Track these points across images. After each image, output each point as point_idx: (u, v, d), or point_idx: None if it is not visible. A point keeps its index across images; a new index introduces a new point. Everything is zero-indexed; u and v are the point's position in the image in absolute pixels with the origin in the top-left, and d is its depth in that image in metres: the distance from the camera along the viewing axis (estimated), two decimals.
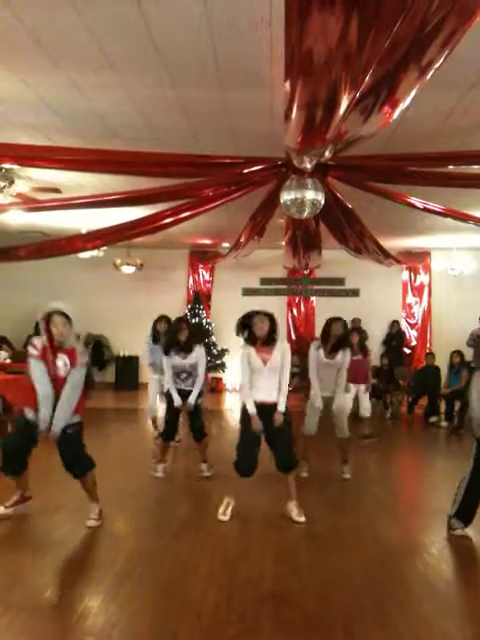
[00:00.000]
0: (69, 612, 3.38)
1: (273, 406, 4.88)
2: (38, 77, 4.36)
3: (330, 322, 6.11)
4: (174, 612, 3.40)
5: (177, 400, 5.99)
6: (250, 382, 4.93)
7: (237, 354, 11.79)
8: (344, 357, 6.04)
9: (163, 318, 7.39)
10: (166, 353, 6.18)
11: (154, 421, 7.81)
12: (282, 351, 4.90)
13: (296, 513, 4.94)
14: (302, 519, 4.90)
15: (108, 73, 4.24)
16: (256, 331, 4.87)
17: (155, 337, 7.35)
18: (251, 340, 4.92)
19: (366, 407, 8.03)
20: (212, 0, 3.18)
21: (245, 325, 4.94)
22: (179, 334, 6.15)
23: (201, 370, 6.27)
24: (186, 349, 6.16)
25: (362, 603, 3.56)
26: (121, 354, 13.21)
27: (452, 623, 3.38)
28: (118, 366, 13.25)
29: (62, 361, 4.41)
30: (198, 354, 6.25)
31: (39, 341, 4.45)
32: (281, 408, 4.85)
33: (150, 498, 5.68)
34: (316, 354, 6.10)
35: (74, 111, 5.04)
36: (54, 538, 4.47)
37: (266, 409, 4.88)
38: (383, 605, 3.53)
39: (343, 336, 6.03)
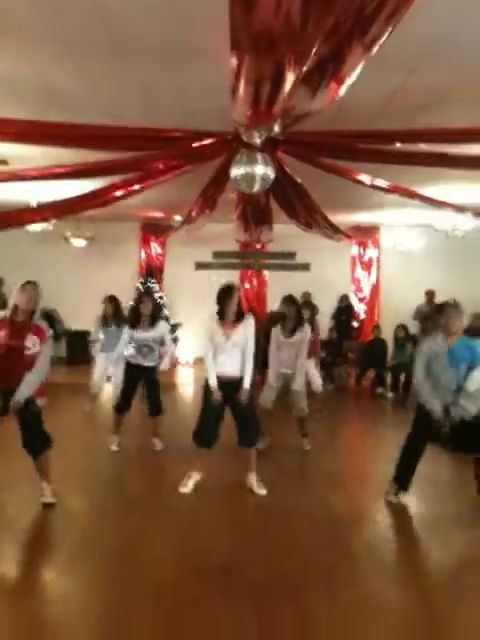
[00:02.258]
0: (24, 584, 3.43)
1: (237, 380, 4.96)
2: None
3: (285, 303, 6.26)
4: (127, 584, 3.48)
5: (213, 383, 5.02)
6: (213, 356, 5.00)
7: (191, 327, 11.83)
8: (303, 336, 6.18)
9: (109, 299, 7.39)
10: (133, 326, 6.22)
11: (94, 397, 7.84)
12: (245, 327, 4.97)
13: (256, 485, 5.08)
14: (263, 491, 5.04)
15: (56, 46, 4.17)
16: (227, 309, 4.94)
17: (105, 319, 7.36)
18: (221, 315, 4.99)
19: (317, 383, 8.18)
20: None
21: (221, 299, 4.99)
22: (142, 307, 6.19)
23: (168, 342, 6.38)
24: (150, 323, 6.21)
25: (308, 571, 3.71)
26: (73, 329, 13.06)
27: (393, 587, 3.57)
28: (69, 341, 13.11)
29: (31, 342, 4.40)
30: (162, 328, 6.31)
31: None
32: (246, 385, 4.94)
33: (104, 473, 5.73)
34: (275, 333, 6.23)
35: (23, 85, 4.94)
36: (6, 514, 4.47)
37: (230, 383, 4.95)
38: (328, 572, 3.69)
39: (296, 317, 6.17)
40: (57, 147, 5.54)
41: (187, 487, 4.98)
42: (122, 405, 6.32)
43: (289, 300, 6.28)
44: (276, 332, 6.26)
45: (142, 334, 6.21)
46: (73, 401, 8.57)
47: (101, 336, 7.43)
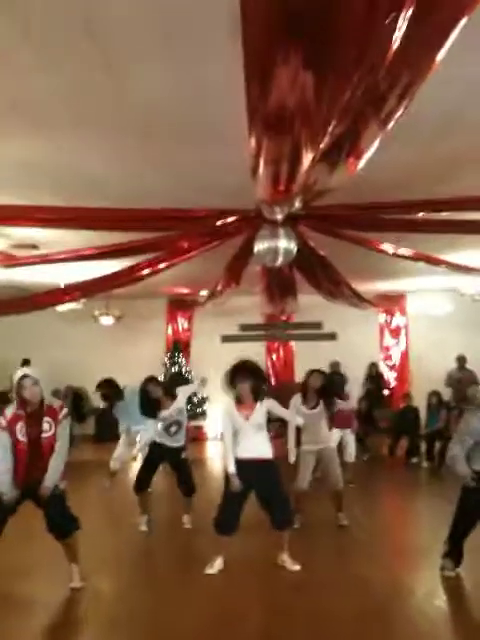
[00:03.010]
0: None
1: (262, 462, 4.85)
2: (18, 140, 4.47)
3: (308, 374, 6.21)
4: None
5: (232, 470, 4.88)
6: (235, 440, 4.91)
7: (218, 403, 11.75)
8: (325, 407, 6.09)
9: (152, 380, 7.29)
10: (154, 416, 6.15)
11: (113, 474, 7.70)
12: (266, 407, 4.91)
13: (290, 562, 4.91)
14: (297, 567, 4.88)
15: (81, 131, 4.37)
16: (241, 392, 4.89)
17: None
18: (237, 398, 4.94)
19: (351, 452, 8.00)
20: (182, 67, 3.34)
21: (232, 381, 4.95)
22: (152, 394, 6.16)
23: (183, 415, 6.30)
24: (169, 399, 6.17)
25: None
26: (101, 406, 13.07)
27: None
28: (98, 418, 13.10)
29: (47, 424, 4.39)
30: (178, 399, 6.27)
31: (9, 410, 4.43)
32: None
33: (133, 553, 5.61)
34: (297, 406, 6.14)
35: (48, 169, 5.14)
36: (34, 598, 4.38)
37: (254, 466, 4.83)
38: None
39: (322, 387, 6.10)
40: (89, 230, 5.72)
41: (213, 568, 4.84)
42: (140, 484, 6.21)
43: (313, 370, 6.26)
44: (297, 406, 6.13)
45: (165, 413, 6.17)
46: (101, 479, 8.46)
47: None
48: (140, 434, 7.37)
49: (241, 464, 4.85)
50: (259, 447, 4.86)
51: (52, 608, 4.27)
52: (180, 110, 3.96)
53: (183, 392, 6.35)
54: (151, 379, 6.33)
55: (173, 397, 6.23)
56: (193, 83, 3.56)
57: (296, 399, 6.17)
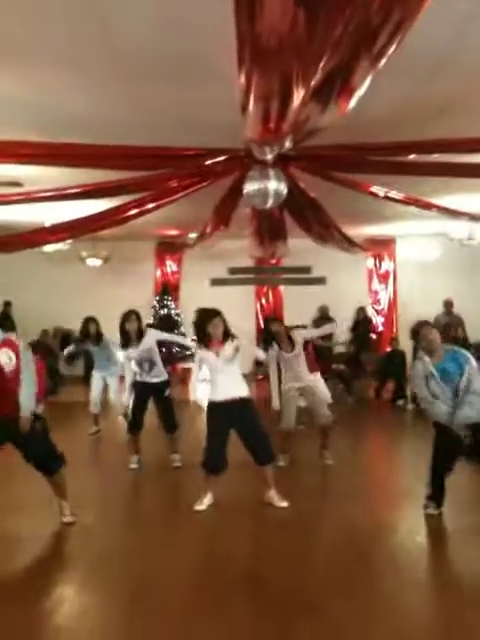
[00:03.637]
0: (42, 600, 3.43)
1: (238, 402, 4.94)
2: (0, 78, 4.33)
3: (266, 324, 6.56)
4: (148, 598, 3.48)
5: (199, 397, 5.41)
6: (211, 381, 5.06)
7: None
8: (299, 344, 6.19)
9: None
10: (124, 346, 6.22)
11: (96, 418, 7.82)
12: (235, 344, 4.97)
13: (277, 499, 5.05)
14: (284, 504, 5.01)
15: (65, 70, 4.23)
16: (210, 332, 4.96)
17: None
18: (203, 341, 5.00)
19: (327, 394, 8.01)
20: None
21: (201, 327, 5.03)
22: (128, 326, 6.18)
23: (166, 336, 6.45)
24: (138, 338, 6.20)
25: (330, 581, 3.69)
26: (91, 347, 13.10)
27: (414, 598, 3.51)
28: (87, 359, 13.15)
29: (6, 356, 4.26)
30: (150, 336, 6.27)
31: None
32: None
33: (122, 491, 5.74)
34: (274, 354, 6.23)
35: (33, 107, 5.00)
36: (24, 534, 4.49)
37: (232, 405, 4.93)
38: (350, 582, 3.66)
39: (280, 331, 6.21)
40: (70, 168, 5.60)
41: (202, 505, 4.96)
42: (133, 425, 6.31)
43: (272, 321, 6.48)
44: (274, 353, 6.25)
45: (133, 352, 6.20)
46: (89, 419, 8.57)
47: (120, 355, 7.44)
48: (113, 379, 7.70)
49: (218, 405, 4.96)
50: (234, 387, 4.94)
51: (41, 543, 4.37)
52: (167, 44, 3.83)
53: (153, 335, 6.37)
54: (132, 312, 6.35)
55: (140, 338, 6.24)
56: (179, 15, 3.43)
57: (272, 349, 6.28)
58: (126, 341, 6.22)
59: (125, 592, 3.55)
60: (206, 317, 4.99)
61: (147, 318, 11.89)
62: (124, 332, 6.21)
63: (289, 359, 6.26)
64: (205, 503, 4.97)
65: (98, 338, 7.64)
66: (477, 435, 4.65)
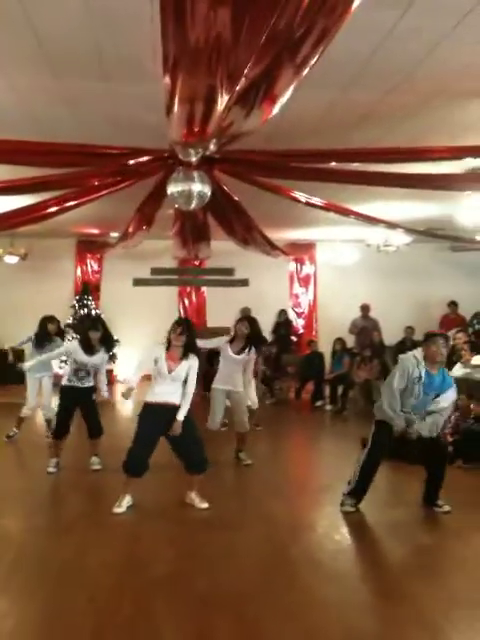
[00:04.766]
0: None
1: (173, 408, 4.90)
2: None
3: (238, 321, 6.44)
4: (67, 600, 3.41)
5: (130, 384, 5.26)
6: (151, 384, 4.99)
7: (129, 344, 11.69)
8: (249, 358, 6.25)
9: (51, 319, 7.31)
10: (85, 351, 6.07)
11: (21, 421, 7.58)
12: (189, 366, 4.94)
13: (198, 501, 5.04)
14: (205, 505, 5.00)
15: None
16: (173, 339, 4.91)
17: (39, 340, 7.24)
18: (167, 345, 4.96)
19: (254, 399, 8.10)
20: None
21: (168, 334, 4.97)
22: (92, 334, 6.07)
23: (102, 371, 6.29)
24: (95, 350, 6.09)
25: (250, 579, 3.72)
26: (7, 347, 12.67)
27: (333, 590, 3.61)
28: (1, 360, 12.71)
29: None
30: (103, 356, 6.22)
31: None
32: (180, 417, 4.86)
33: (40, 494, 5.58)
34: (225, 347, 6.25)
35: None
36: None
37: (166, 410, 4.88)
38: (270, 580, 3.71)
39: (250, 335, 6.23)
40: None
41: (121, 507, 4.89)
42: (61, 431, 6.15)
43: (248, 321, 6.39)
44: (223, 343, 6.28)
45: (84, 358, 6.08)
46: (5, 422, 8.29)
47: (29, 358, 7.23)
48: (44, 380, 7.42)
49: (153, 408, 4.91)
50: (172, 394, 4.91)
51: None
52: (94, 42, 3.78)
53: (104, 357, 6.28)
54: (99, 319, 6.25)
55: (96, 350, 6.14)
56: (107, 13, 3.39)
57: (225, 338, 6.32)
58: (88, 348, 6.08)
59: (43, 596, 3.46)
60: (173, 327, 4.91)
61: (67, 317, 11.64)
62: (87, 339, 6.07)
63: (234, 360, 6.26)
64: (124, 505, 4.90)
65: (53, 337, 7.30)
66: (424, 446, 4.90)
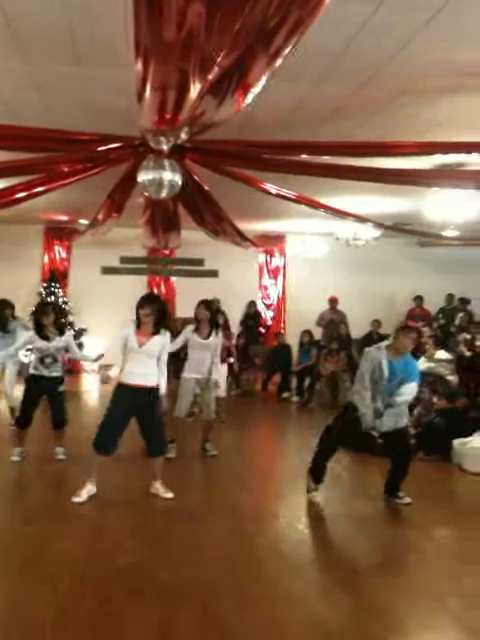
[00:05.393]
0: None
1: (146, 390, 4.91)
2: None
3: (197, 306, 6.41)
4: (29, 589, 3.39)
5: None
6: (125, 364, 4.99)
7: (96, 332, 11.60)
8: (217, 340, 6.26)
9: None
10: (42, 337, 6.01)
11: (12, 411, 7.48)
12: (162, 342, 4.96)
13: (163, 491, 5.05)
14: (170, 495, 5.02)
15: None
16: (142, 315, 4.92)
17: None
18: (137, 323, 4.95)
19: (222, 387, 8.13)
20: None
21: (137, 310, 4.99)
22: (44, 319, 6.00)
23: (74, 349, 6.21)
24: (53, 332, 6.02)
25: (213, 571, 3.74)
26: None
27: (297, 582, 3.66)
28: None
29: None
30: (66, 338, 6.15)
31: None
32: (163, 390, 4.92)
33: (4, 484, 5.52)
34: (191, 337, 6.23)
35: None
36: None
37: (139, 392, 4.90)
38: (232, 570, 3.74)
39: (210, 318, 6.23)
40: None
41: (80, 497, 4.86)
42: (24, 420, 6.08)
43: (204, 304, 6.34)
44: (189, 334, 6.26)
45: (44, 344, 6.01)
46: None
47: None
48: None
49: (125, 389, 4.94)
50: (147, 375, 4.91)
51: None
52: (66, 24, 3.70)
53: (68, 338, 6.22)
54: (48, 303, 6.19)
55: (55, 333, 6.07)
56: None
57: (189, 329, 6.28)
58: (40, 333, 6.02)
59: (5, 586, 3.43)
60: (140, 303, 4.96)
61: (33, 304, 11.46)
62: (40, 325, 6.04)
63: (203, 345, 6.26)
64: (83, 495, 4.87)
65: (7, 323, 7.26)
66: (388, 439, 4.96)
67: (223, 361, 7.86)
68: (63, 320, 6.26)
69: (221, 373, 7.95)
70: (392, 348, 4.91)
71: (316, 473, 5.05)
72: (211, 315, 6.31)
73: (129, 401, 4.89)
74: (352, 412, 4.93)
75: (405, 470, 5.02)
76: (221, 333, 6.44)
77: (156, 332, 4.94)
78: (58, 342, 6.06)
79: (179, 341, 6.29)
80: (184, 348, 6.41)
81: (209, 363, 6.32)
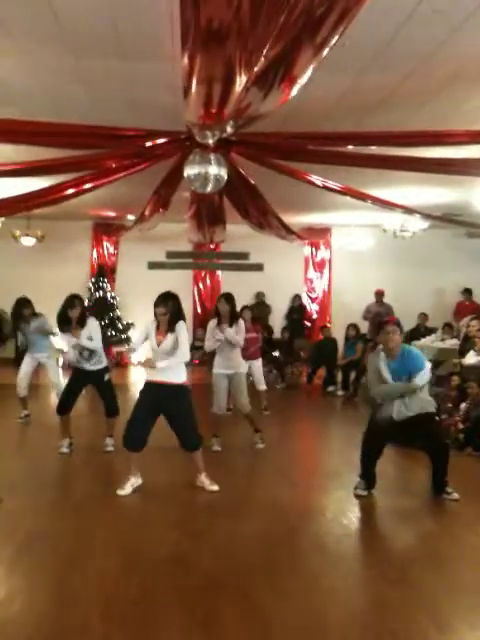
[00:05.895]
0: None
1: (170, 387, 4.96)
2: None
3: (217, 300, 6.46)
4: (75, 580, 3.46)
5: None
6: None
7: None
8: (238, 331, 6.25)
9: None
10: (64, 331, 6.14)
11: (23, 401, 7.69)
12: (175, 336, 4.99)
13: (208, 483, 5.10)
14: (215, 488, 5.06)
15: (5, 38, 4.09)
16: (157, 314, 5.00)
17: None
18: (157, 321, 5.05)
19: (260, 379, 8.06)
20: None
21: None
22: (71, 312, 6.08)
23: (97, 339, 6.25)
24: (80, 325, 6.10)
25: (255, 562, 3.76)
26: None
27: (339, 576, 3.64)
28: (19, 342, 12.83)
29: None
30: (90, 326, 6.19)
31: None
32: (162, 365, 4.89)
33: (52, 475, 5.66)
34: (216, 332, 6.25)
35: None
36: None
37: (164, 389, 4.96)
38: (275, 564, 3.74)
39: (230, 312, 6.24)
40: (7, 143, 5.44)
41: (125, 490, 4.94)
42: (62, 407, 6.21)
43: (224, 298, 6.37)
44: (212, 329, 6.28)
45: (73, 339, 6.11)
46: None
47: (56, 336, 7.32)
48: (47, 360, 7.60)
49: (150, 386, 5.03)
50: (168, 372, 4.97)
51: None
52: (111, 20, 3.76)
53: (94, 327, 6.28)
54: (76, 296, 6.25)
55: (81, 325, 6.14)
56: None
57: (211, 323, 6.31)
58: (65, 326, 6.12)
59: (52, 576, 3.52)
60: (156, 302, 5.01)
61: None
62: (66, 318, 6.09)
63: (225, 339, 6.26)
64: (128, 488, 4.95)
65: (29, 319, 7.45)
66: (419, 428, 4.92)
67: (251, 357, 7.66)
68: (85, 312, 6.28)
69: (256, 366, 7.92)
70: (385, 351, 4.91)
71: (367, 478, 5.01)
72: (231, 309, 6.32)
73: (154, 398, 4.95)
74: (375, 410, 4.96)
75: (443, 465, 4.93)
76: (242, 324, 6.41)
77: (171, 330, 4.99)
78: (85, 332, 6.13)
79: (208, 339, 6.31)
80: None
81: (237, 357, 6.33)
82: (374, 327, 11.55)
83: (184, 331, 5.03)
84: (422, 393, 4.92)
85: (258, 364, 7.96)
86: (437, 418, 5.25)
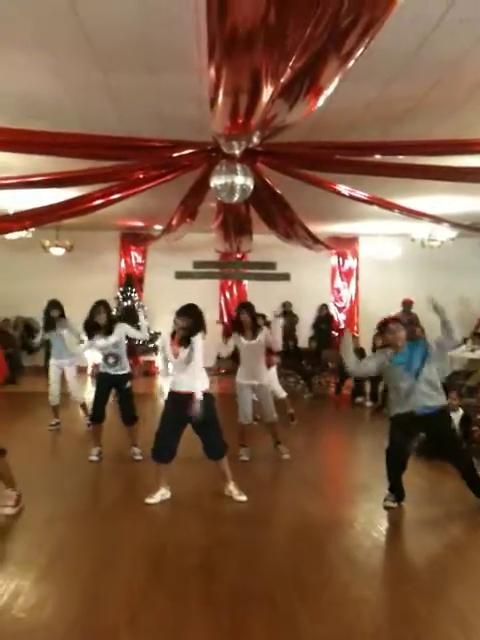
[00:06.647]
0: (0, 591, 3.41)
1: (193, 395, 4.96)
2: None
3: (237, 310, 6.57)
4: (104, 587, 3.49)
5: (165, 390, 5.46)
6: (170, 371, 5.20)
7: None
8: (265, 337, 6.26)
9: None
10: (91, 336, 6.23)
11: (55, 409, 7.78)
12: (190, 347, 5.02)
13: (236, 493, 5.10)
14: (243, 497, 5.06)
15: (35, 53, 4.18)
16: (174, 328, 5.06)
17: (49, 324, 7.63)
18: (173, 332, 5.12)
19: (277, 389, 7.98)
20: None
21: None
22: (98, 319, 6.18)
23: (134, 332, 6.39)
24: (107, 330, 6.19)
25: (284, 572, 3.74)
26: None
27: (368, 588, 3.60)
28: (48, 349, 12.99)
29: None
30: (120, 331, 6.29)
31: None
32: (199, 396, 4.87)
33: (82, 483, 5.71)
34: (238, 340, 6.28)
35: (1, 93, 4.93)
36: None
37: (186, 399, 4.96)
38: (304, 575, 3.72)
39: (251, 321, 6.25)
40: (36, 155, 5.54)
41: (153, 499, 4.97)
42: (95, 414, 6.32)
43: (245, 308, 6.40)
44: (235, 339, 6.31)
45: (102, 342, 6.21)
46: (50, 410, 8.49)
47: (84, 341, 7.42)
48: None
49: (173, 396, 5.07)
50: (190, 382, 4.98)
51: None
52: (140, 34, 3.82)
53: (121, 328, 6.36)
54: (100, 304, 6.33)
55: (109, 330, 6.24)
56: (151, 4, 3.43)
57: (235, 335, 6.33)
58: (93, 332, 6.21)
59: (81, 583, 3.55)
60: (177, 313, 5.11)
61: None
62: (94, 324, 6.19)
63: (249, 347, 6.28)
64: (157, 497, 4.97)
65: (57, 321, 7.60)
66: (430, 430, 4.86)
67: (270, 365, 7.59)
68: (112, 320, 6.39)
69: (270, 375, 7.84)
70: (392, 348, 5.01)
71: (396, 490, 4.96)
72: (252, 318, 6.32)
73: (179, 408, 4.96)
74: (394, 420, 4.96)
75: (468, 472, 4.85)
76: (266, 330, 6.42)
77: (186, 344, 5.00)
78: (114, 337, 6.21)
79: (230, 344, 6.35)
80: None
81: (261, 368, 6.35)
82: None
83: (199, 345, 5.05)
84: (433, 387, 4.89)
85: (271, 373, 7.93)
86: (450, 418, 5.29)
